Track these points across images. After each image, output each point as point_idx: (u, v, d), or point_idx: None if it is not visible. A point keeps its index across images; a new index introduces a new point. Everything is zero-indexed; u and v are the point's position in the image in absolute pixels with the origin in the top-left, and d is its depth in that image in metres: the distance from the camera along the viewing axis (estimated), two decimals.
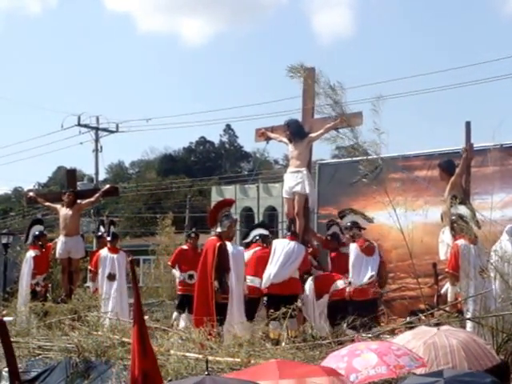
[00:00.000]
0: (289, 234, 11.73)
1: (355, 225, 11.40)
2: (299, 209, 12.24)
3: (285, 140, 12.50)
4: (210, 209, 12.31)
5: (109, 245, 14.02)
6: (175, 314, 13.25)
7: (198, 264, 13.30)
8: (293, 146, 12.29)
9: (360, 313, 10.15)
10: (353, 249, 11.09)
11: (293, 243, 11.39)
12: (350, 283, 11.05)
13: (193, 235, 13.90)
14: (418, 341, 6.56)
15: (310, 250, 12.04)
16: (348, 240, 11.45)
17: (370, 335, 8.97)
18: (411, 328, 7.85)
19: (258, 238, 12.11)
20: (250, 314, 11.12)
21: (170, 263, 13.85)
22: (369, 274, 10.91)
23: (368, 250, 11.08)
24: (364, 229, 11.50)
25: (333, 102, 8.77)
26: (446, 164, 11.28)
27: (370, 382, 6.07)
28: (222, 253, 10.78)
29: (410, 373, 6.04)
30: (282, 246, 11.43)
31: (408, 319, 9.43)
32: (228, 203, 12.11)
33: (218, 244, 10.82)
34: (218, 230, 11.12)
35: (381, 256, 11.36)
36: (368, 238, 11.33)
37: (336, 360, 6.19)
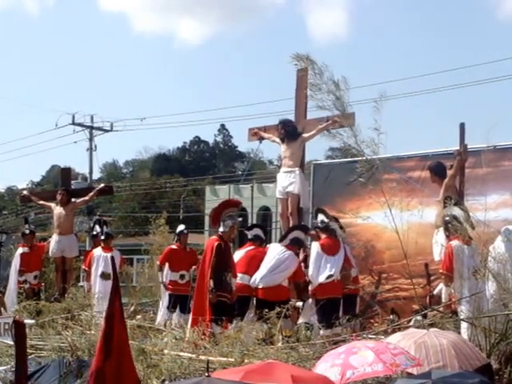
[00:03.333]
0: (288, 242, 11.59)
1: (323, 224, 11.40)
2: (293, 209, 12.26)
3: (277, 140, 12.52)
4: (214, 208, 12.17)
5: (102, 244, 14.00)
6: (167, 313, 13.19)
7: (188, 264, 13.35)
8: (285, 145, 12.31)
9: (325, 310, 10.31)
10: (314, 247, 11.10)
11: (288, 252, 11.34)
12: (310, 282, 11.10)
13: (185, 231, 13.77)
14: (408, 340, 6.59)
15: (304, 254, 12.01)
16: (313, 237, 11.55)
17: (364, 335, 8.99)
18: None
19: (254, 237, 12.04)
20: (241, 312, 11.09)
21: (160, 263, 13.68)
22: (327, 272, 10.85)
23: (330, 249, 11.05)
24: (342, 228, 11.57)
25: (335, 97, 8.66)
26: (436, 167, 11.29)
27: (365, 379, 6.10)
28: (221, 252, 10.76)
29: (405, 372, 6.07)
30: (277, 252, 11.39)
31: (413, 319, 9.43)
32: (233, 204, 12.03)
33: (216, 244, 10.79)
34: (220, 229, 11.08)
35: (346, 255, 11.28)
36: (334, 237, 11.29)
37: (333, 357, 6.20)
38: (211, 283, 10.60)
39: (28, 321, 10.60)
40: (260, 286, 11.13)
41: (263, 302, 10.93)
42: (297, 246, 11.60)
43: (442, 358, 6.38)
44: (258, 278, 11.17)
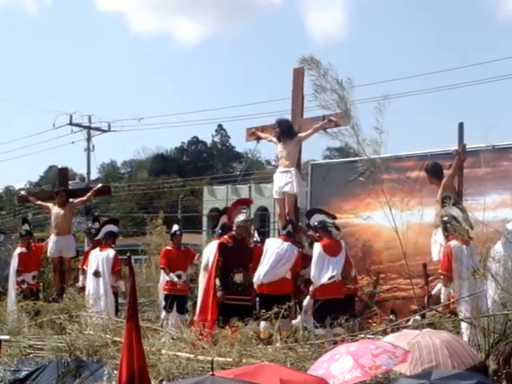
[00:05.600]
0: (284, 233, 11.64)
1: (322, 224, 11.39)
2: (290, 209, 12.25)
3: (274, 140, 12.52)
4: (226, 207, 12.31)
5: (103, 242, 13.90)
6: (164, 313, 13.20)
7: (184, 263, 13.34)
8: (282, 145, 12.31)
9: (325, 311, 10.31)
10: (316, 248, 11.06)
11: (286, 244, 11.31)
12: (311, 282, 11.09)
13: (178, 232, 13.76)
14: (401, 342, 6.59)
15: (301, 249, 12.01)
16: (314, 239, 11.48)
17: (362, 335, 8.99)
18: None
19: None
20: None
21: (162, 266, 13.65)
22: (329, 273, 10.81)
23: (332, 250, 11.02)
24: (338, 229, 11.57)
25: (338, 97, 8.65)
26: (433, 168, 11.28)
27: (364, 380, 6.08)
28: (226, 251, 10.79)
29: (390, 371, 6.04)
30: (275, 246, 11.38)
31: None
32: (243, 202, 12.06)
33: (218, 242, 10.89)
34: (234, 228, 11.26)
35: (346, 255, 11.27)
36: (335, 238, 11.27)
37: (318, 367, 6.20)
38: (217, 282, 10.63)
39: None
40: (265, 282, 11.13)
41: (268, 297, 10.92)
42: (291, 237, 11.57)
43: (435, 357, 6.38)
44: (261, 275, 11.16)
